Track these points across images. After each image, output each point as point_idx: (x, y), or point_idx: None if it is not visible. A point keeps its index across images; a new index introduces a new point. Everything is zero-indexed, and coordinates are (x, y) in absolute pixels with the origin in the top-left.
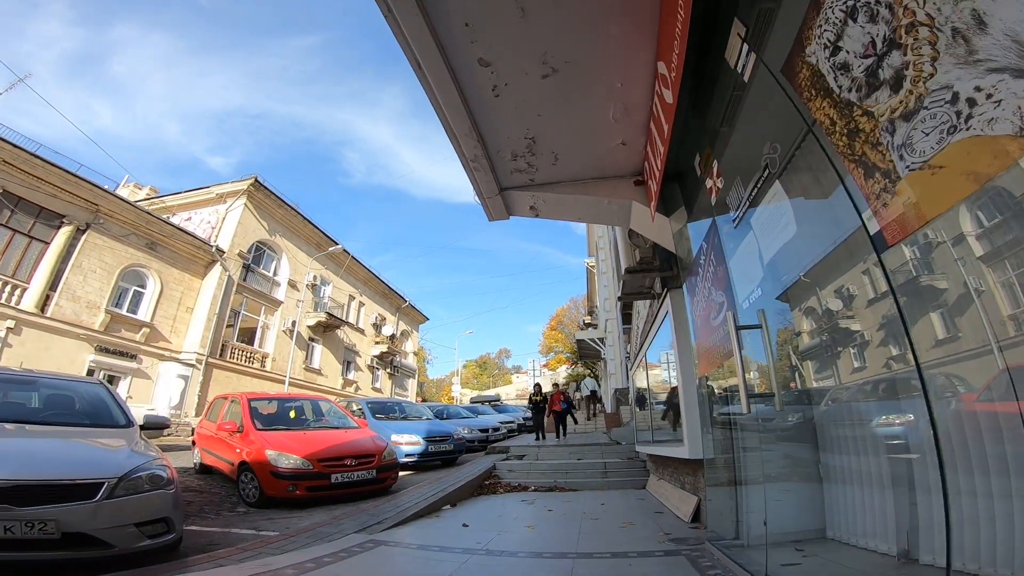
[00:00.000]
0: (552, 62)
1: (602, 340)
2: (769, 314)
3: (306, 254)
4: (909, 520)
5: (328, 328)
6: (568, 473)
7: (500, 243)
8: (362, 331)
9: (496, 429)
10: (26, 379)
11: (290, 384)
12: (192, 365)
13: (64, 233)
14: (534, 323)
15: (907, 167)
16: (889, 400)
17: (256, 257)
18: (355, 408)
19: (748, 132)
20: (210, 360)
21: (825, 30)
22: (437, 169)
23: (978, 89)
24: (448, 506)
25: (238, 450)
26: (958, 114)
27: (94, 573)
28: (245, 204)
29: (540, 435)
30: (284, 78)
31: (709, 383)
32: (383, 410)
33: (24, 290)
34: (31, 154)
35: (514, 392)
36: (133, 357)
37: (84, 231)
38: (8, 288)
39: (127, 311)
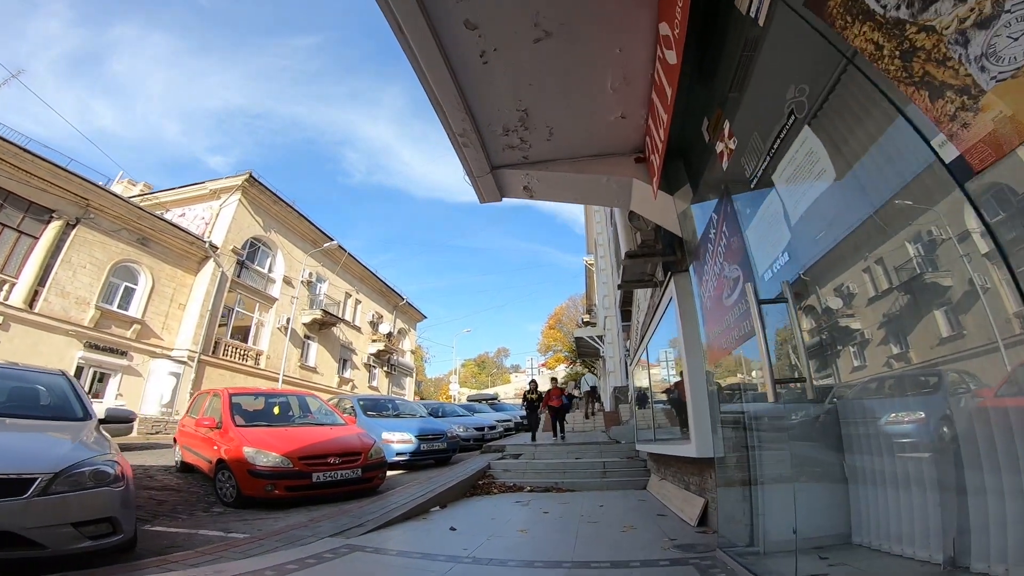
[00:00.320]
0: (545, 24)
1: (601, 338)
2: (796, 284)
3: (302, 251)
4: (957, 523)
5: (324, 326)
6: (565, 473)
7: (499, 242)
8: (358, 329)
9: (492, 428)
10: None
11: (284, 382)
12: (184, 362)
13: (53, 228)
14: (533, 322)
15: (993, 78)
16: (930, 392)
17: (251, 253)
18: (346, 405)
19: (766, 81)
20: (203, 357)
21: None
22: (437, 168)
23: None
24: (437, 508)
25: (216, 447)
26: None
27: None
28: (240, 200)
29: (535, 437)
30: (284, 78)
31: (721, 373)
32: (375, 407)
33: (12, 285)
34: (20, 148)
35: (512, 391)
36: (124, 354)
37: (74, 226)
38: None
39: (118, 307)
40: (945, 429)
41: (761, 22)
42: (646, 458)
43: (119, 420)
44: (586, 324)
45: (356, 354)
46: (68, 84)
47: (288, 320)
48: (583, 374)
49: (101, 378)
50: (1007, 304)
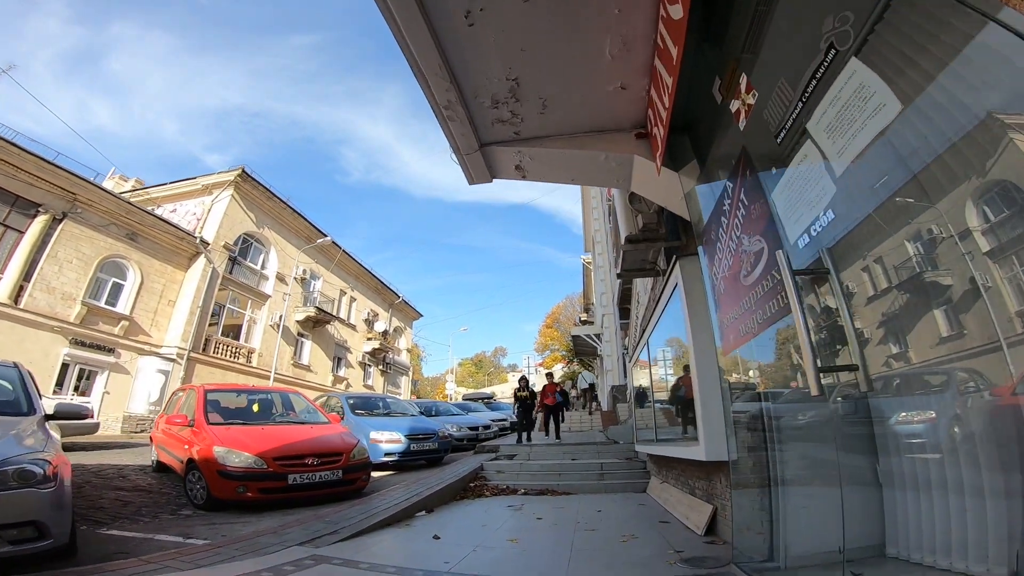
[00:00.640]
0: None
1: (598, 336)
2: (839, 247)
3: (295, 247)
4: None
5: (318, 323)
6: (561, 475)
7: (498, 241)
8: (353, 327)
9: (487, 427)
10: None
11: (277, 380)
12: (173, 360)
13: (40, 222)
14: (531, 322)
15: None
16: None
17: (243, 249)
18: (334, 404)
19: (792, 19)
20: (192, 355)
21: None
22: (435, 168)
23: None
24: (423, 512)
25: (186, 446)
26: None
27: None
28: (232, 195)
29: (525, 436)
30: (283, 77)
31: (736, 366)
32: (365, 406)
33: None
34: (6, 141)
35: (509, 390)
36: (111, 351)
37: (61, 220)
38: None
39: (105, 303)
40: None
41: None
42: (646, 459)
43: (70, 416)
44: (584, 323)
45: (351, 352)
46: (66, 83)
47: (281, 317)
48: (580, 373)
49: (87, 376)
50: None
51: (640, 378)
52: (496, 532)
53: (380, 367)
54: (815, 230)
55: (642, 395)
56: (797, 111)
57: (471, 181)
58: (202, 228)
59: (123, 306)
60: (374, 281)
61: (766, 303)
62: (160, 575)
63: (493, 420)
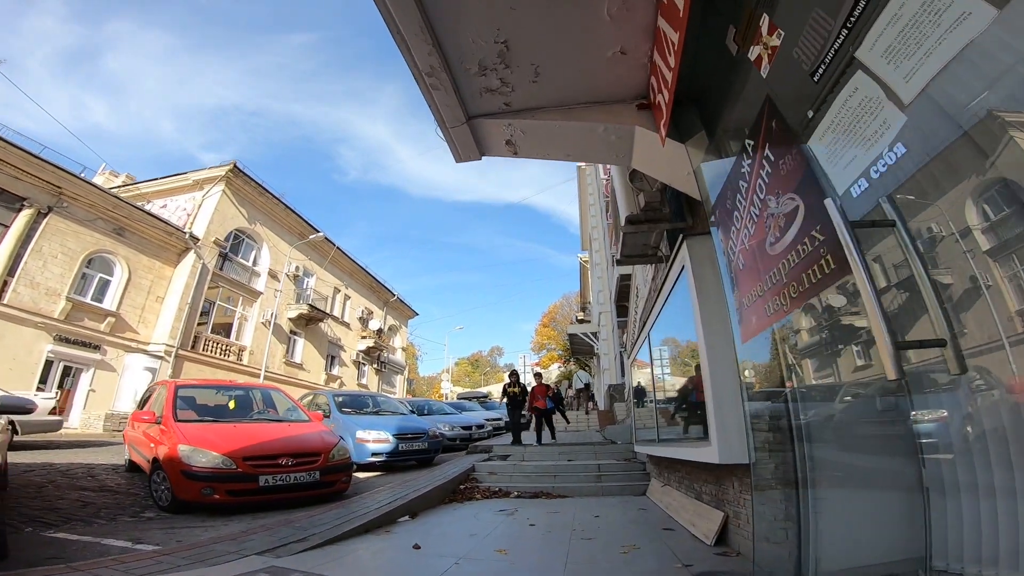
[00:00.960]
0: None
1: (595, 334)
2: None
3: (288, 244)
4: None
5: (311, 321)
6: (557, 476)
7: (495, 241)
8: (347, 325)
9: (481, 426)
10: None
11: (267, 378)
12: (161, 357)
13: (24, 216)
14: (527, 321)
15: None
16: None
17: (234, 246)
18: (320, 401)
19: None
20: (180, 352)
21: None
22: (433, 166)
23: None
24: (407, 517)
25: (152, 444)
26: None
27: None
28: (223, 191)
29: (518, 438)
30: (281, 76)
31: (760, 353)
32: (353, 404)
33: None
34: None
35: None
36: (96, 348)
37: (46, 215)
38: None
39: (91, 299)
40: None
41: None
42: (645, 461)
43: (11, 410)
44: (580, 322)
45: (344, 351)
46: (63, 80)
47: (273, 315)
48: (575, 372)
49: (72, 372)
50: None
51: (640, 375)
52: (484, 541)
53: (374, 366)
54: (875, 173)
55: (642, 393)
56: (839, 41)
57: (458, 158)
58: (192, 223)
59: (110, 302)
60: (368, 279)
61: (803, 271)
62: None
63: (487, 419)
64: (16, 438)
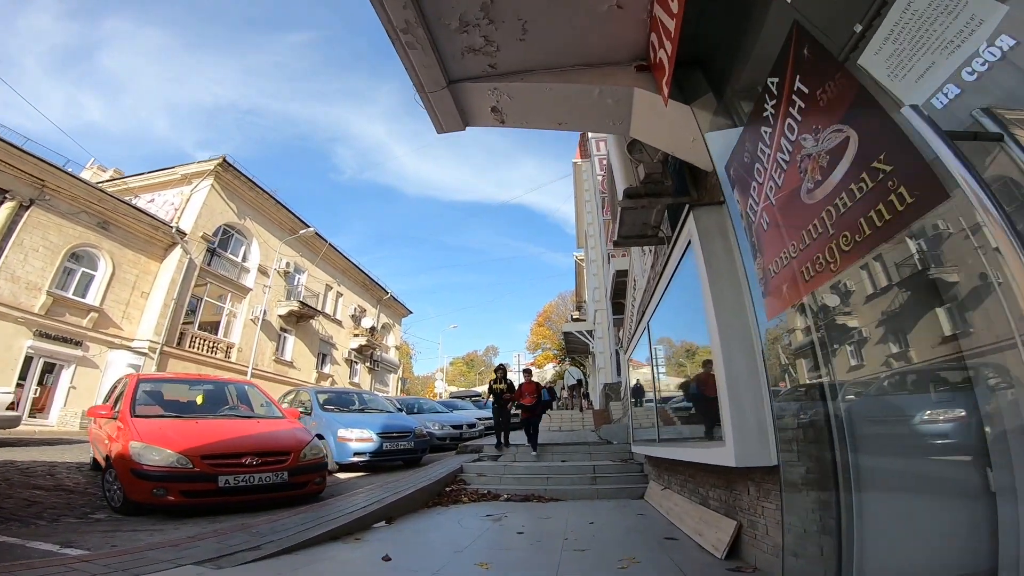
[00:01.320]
0: None
1: (590, 333)
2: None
3: (279, 239)
4: None
5: (301, 318)
6: (549, 478)
7: (491, 240)
8: (339, 323)
9: (472, 425)
10: None
11: (256, 376)
12: (145, 354)
13: (6, 209)
14: (523, 321)
15: None
16: None
17: (223, 241)
18: (303, 399)
19: None
20: (166, 349)
21: None
22: (430, 165)
23: None
24: (383, 523)
25: (107, 441)
26: None
27: None
28: (212, 185)
29: (503, 441)
30: (277, 75)
31: (790, 332)
32: (337, 401)
33: None
34: None
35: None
36: (78, 344)
37: (28, 207)
38: None
39: (73, 294)
40: None
41: None
42: (643, 462)
43: None
44: (576, 321)
45: (336, 349)
46: (58, 78)
47: (263, 311)
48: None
49: (53, 369)
50: None
51: (638, 373)
52: (465, 552)
53: (367, 364)
54: (971, 72)
55: (640, 391)
56: None
57: (439, 128)
58: (179, 218)
59: (93, 297)
60: (362, 276)
61: (860, 216)
62: None
63: (479, 419)
64: None
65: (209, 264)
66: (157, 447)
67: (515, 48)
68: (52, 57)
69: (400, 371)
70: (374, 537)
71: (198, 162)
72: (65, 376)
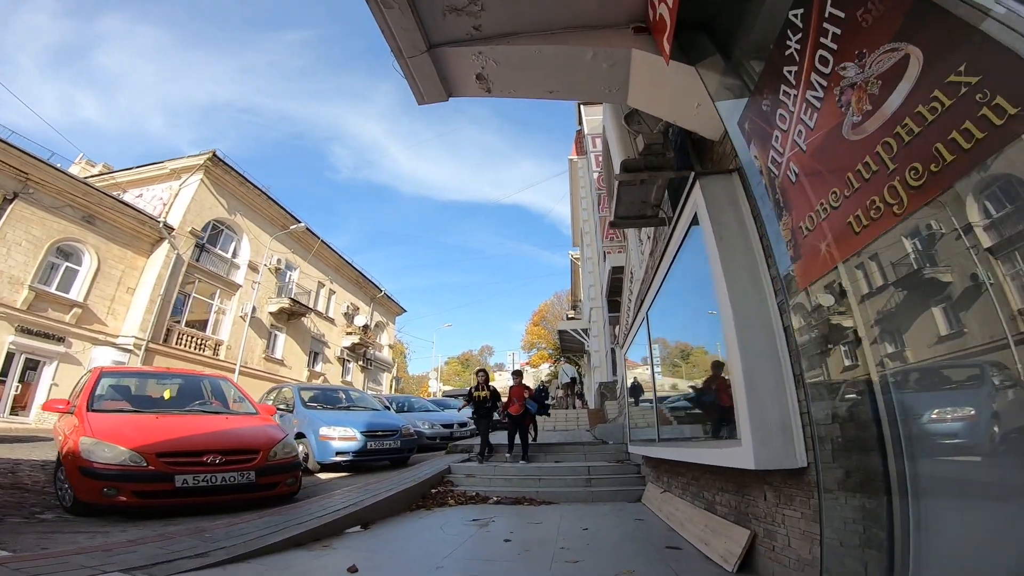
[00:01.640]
0: None
1: (586, 331)
2: None
3: (270, 236)
4: None
5: (293, 316)
6: (541, 480)
7: (487, 240)
8: (332, 320)
9: (463, 425)
10: None
11: (245, 373)
12: (130, 351)
13: None
14: (518, 321)
15: None
16: None
17: (212, 236)
18: (286, 395)
19: None
20: (151, 345)
21: None
22: (426, 164)
23: None
24: (358, 527)
25: (61, 437)
26: None
27: None
28: (202, 180)
29: (484, 452)
30: (273, 73)
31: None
32: (322, 398)
33: None
34: None
35: (497, 388)
36: (61, 340)
37: (11, 200)
38: None
39: (57, 289)
40: None
41: None
42: (640, 463)
43: None
44: (571, 320)
45: (329, 347)
46: (53, 76)
47: (253, 308)
48: (560, 368)
49: (35, 366)
50: None
51: (635, 370)
52: (444, 564)
53: (360, 363)
54: None
55: (638, 388)
56: None
57: (420, 99)
58: (167, 213)
59: (76, 292)
60: (355, 274)
61: (934, 142)
62: None
63: (471, 418)
64: None
65: (198, 260)
66: (109, 443)
67: (501, 8)
68: (48, 55)
69: (394, 370)
70: (345, 544)
71: (187, 156)
72: (47, 373)
